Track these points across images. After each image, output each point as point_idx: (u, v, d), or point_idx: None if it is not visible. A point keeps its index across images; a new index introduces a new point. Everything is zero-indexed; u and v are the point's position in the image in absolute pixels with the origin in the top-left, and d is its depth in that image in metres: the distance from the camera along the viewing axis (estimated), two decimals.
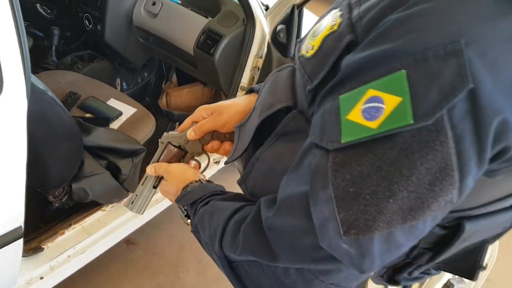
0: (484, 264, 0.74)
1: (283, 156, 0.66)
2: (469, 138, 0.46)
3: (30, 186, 1.50)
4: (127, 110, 2.01)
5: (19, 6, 1.05)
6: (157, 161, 0.90)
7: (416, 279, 0.76)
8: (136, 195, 0.93)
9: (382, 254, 0.52)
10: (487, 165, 0.49)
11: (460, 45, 0.45)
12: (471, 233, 0.65)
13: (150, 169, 0.90)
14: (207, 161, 0.92)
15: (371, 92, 0.49)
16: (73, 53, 2.41)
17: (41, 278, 1.50)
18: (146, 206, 0.94)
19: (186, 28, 2.12)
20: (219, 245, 0.67)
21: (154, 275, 2.04)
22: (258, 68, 2.10)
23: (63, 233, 1.62)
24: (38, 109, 1.36)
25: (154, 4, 2.17)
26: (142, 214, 0.95)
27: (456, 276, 1.33)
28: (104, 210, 1.76)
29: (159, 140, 0.91)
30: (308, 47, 0.63)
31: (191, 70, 2.27)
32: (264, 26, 2.03)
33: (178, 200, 0.80)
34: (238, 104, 0.87)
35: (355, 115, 0.50)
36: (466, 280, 1.35)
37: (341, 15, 0.59)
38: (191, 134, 0.87)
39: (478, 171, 0.48)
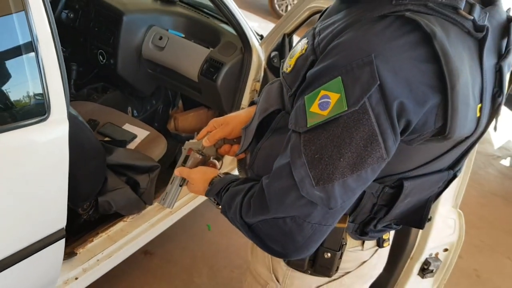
0: (429, 217, 0.99)
1: (276, 144, 0.89)
2: (383, 115, 0.71)
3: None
4: (141, 133, 2.26)
5: (59, 41, 1.31)
6: (182, 164, 1.14)
7: (381, 231, 1.01)
8: (166, 192, 1.16)
9: (342, 195, 0.75)
10: (400, 136, 0.73)
11: (371, 58, 0.69)
12: (410, 190, 0.89)
13: (177, 172, 1.13)
14: (221, 161, 1.16)
15: (323, 92, 0.74)
16: (88, 86, 2.67)
17: (76, 278, 1.72)
18: (175, 201, 1.17)
19: (190, 58, 2.38)
20: (240, 216, 0.88)
21: (171, 281, 2.26)
22: (256, 91, 2.35)
23: (92, 240, 1.84)
24: (72, 131, 1.61)
25: (161, 38, 2.44)
26: (172, 208, 1.18)
27: (433, 255, 1.56)
28: (126, 221, 1.99)
29: (182, 147, 1.15)
30: (287, 66, 0.89)
31: (196, 96, 2.53)
32: (259, 54, 2.29)
33: (206, 194, 1.03)
34: (240, 115, 1.12)
35: (315, 107, 0.75)
36: (440, 258, 1.57)
37: (307, 43, 0.85)
38: (206, 141, 1.11)
39: (395, 137, 0.73)
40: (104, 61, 2.55)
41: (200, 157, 1.12)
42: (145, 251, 2.34)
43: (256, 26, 2.62)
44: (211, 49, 2.38)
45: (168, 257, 2.36)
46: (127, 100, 2.75)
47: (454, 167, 0.94)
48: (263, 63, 2.31)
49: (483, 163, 4.26)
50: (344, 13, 0.84)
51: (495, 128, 0.88)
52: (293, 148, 0.77)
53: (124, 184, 1.93)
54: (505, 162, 4.43)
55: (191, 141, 1.15)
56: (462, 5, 0.75)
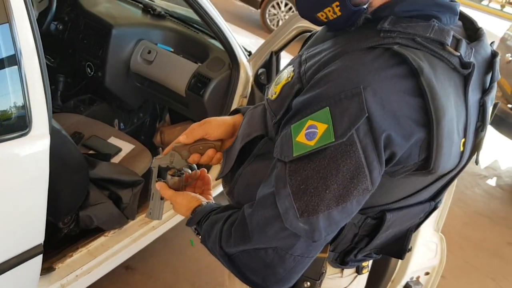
0: (409, 247, 0.99)
1: (258, 171, 0.88)
2: (370, 147, 0.71)
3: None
4: (126, 146, 2.25)
5: (43, 54, 1.30)
6: (155, 181, 1.10)
7: (361, 260, 1.00)
8: (151, 208, 1.14)
9: (326, 228, 0.75)
10: (384, 166, 0.73)
11: (360, 89, 0.69)
12: (392, 222, 0.89)
13: (158, 185, 1.07)
14: (194, 170, 1.11)
15: (310, 122, 0.73)
16: (75, 98, 2.66)
17: None
18: (162, 213, 1.13)
19: (178, 73, 2.38)
20: (219, 245, 0.86)
21: None
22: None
23: (72, 255, 1.82)
24: (54, 145, 1.59)
25: (149, 52, 2.44)
26: (161, 219, 1.14)
27: (414, 278, 1.56)
28: (107, 236, 1.97)
29: (151, 165, 1.11)
30: (272, 92, 0.88)
31: (183, 110, 2.52)
32: (247, 70, 2.30)
33: (188, 224, 1.00)
34: (222, 118, 1.09)
35: (301, 137, 0.74)
36: (422, 281, 1.57)
37: (293, 70, 0.85)
38: (183, 137, 1.05)
39: (380, 168, 0.73)
40: (92, 73, 2.55)
41: (176, 178, 1.10)
42: (127, 266, 2.31)
43: (247, 42, 2.64)
44: (199, 64, 2.38)
45: (149, 273, 2.34)
46: (114, 112, 2.74)
47: (435, 199, 0.94)
48: (251, 79, 2.32)
49: (469, 182, 4.29)
50: (331, 42, 0.84)
51: (476, 162, 0.89)
52: (278, 177, 0.77)
53: (106, 198, 1.91)
54: (492, 182, 4.46)
55: (158, 157, 1.11)
56: (449, 41, 0.76)
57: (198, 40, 2.53)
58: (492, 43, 0.89)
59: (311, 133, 0.73)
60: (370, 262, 1.09)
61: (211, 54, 2.43)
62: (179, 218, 2.24)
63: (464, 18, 0.89)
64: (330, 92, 0.72)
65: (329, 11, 0.80)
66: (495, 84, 0.86)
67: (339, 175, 0.72)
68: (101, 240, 1.95)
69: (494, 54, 0.86)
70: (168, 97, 2.52)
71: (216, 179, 1.04)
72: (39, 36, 1.30)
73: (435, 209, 0.96)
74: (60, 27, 2.56)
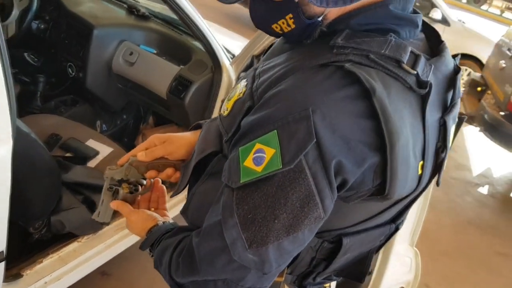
0: (370, 271, 0.94)
1: (211, 191, 0.82)
2: (320, 174, 0.66)
3: (12, 219, 1.67)
4: (104, 149, 2.20)
5: (7, 56, 1.25)
6: (108, 191, 1.04)
7: (319, 283, 0.95)
8: (99, 211, 1.09)
9: (277, 259, 0.70)
10: (337, 192, 0.69)
11: (308, 112, 0.64)
12: (350, 246, 0.84)
13: (114, 204, 1.02)
14: (144, 186, 1.06)
15: (258, 146, 0.68)
16: (57, 98, 2.62)
17: None
18: (110, 216, 1.08)
19: (159, 75, 2.34)
20: (169, 275, 0.81)
21: None
22: None
23: (41, 261, 1.77)
24: (21, 149, 1.55)
25: (131, 54, 2.39)
26: (109, 222, 1.09)
27: None
28: (80, 242, 1.92)
29: (104, 175, 1.05)
30: (224, 108, 0.83)
31: (165, 113, 2.48)
32: (230, 73, 2.25)
33: (141, 247, 0.94)
34: (186, 137, 1.04)
35: (249, 162, 0.69)
36: None
37: (246, 85, 0.79)
38: (142, 156, 1.00)
39: (332, 195, 0.68)
40: (73, 74, 2.51)
41: (129, 196, 1.05)
42: (102, 272, 2.26)
43: (240, 45, 2.59)
44: (181, 66, 2.34)
45: (126, 279, 2.29)
46: (96, 114, 2.70)
47: (395, 221, 0.90)
48: (233, 83, 2.27)
49: (460, 190, 4.25)
50: (286, 56, 0.79)
51: (437, 183, 0.84)
52: (225, 205, 0.72)
53: (79, 203, 1.87)
54: (483, 190, 4.43)
55: (113, 167, 1.05)
56: (406, 58, 0.70)
57: (182, 42, 2.48)
58: (456, 56, 0.85)
59: (258, 157, 0.68)
60: (334, 283, 1.04)
61: (194, 57, 2.38)
62: None
63: (428, 30, 0.84)
64: (278, 114, 0.67)
65: (283, 23, 0.75)
66: (458, 102, 0.82)
67: (288, 204, 0.67)
68: (73, 246, 1.90)
69: (456, 70, 0.81)
70: (150, 99, 2.47)
71: (171, 197, 0.99)
72: (1, 33, 1.24)
73: (397, 230, 0.92)
74: (42, 26, 2.52)
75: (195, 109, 2.30)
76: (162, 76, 2.33)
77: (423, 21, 0.83)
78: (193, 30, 2.09)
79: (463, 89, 4.87)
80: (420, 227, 1.44)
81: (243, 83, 0.82)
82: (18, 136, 1.49)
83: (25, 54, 2.73)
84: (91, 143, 2.22)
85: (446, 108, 0.79)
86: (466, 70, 6.51)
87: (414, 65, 0.71)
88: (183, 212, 0.92)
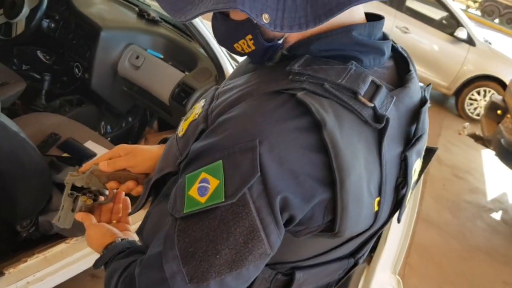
0: None
1: (164, 213, 0.77)
2: (265, 209, 0.62)
3: (1, 215, 1.67)
4: (101, 152, 2.19)
5: None
6: (69, 196, 1.02)
7: None
8: (60, 216, 1.06)
9: None
10: (284, 228, 0.65)
11: (255, 143, 0.61)
12: (304, 280, 0.80)
13: (78, 216, 1.01)
14: (106, 196, 1.04)
15: (203, 175, 0.65)
16: (63, 97, 2.63)
17: None
18: (72, 221, 1.06)
19: (163, 80, 2.32)
20: None
21: None
22: None
23: (26, 260, 1.76)
24: (9, 148, 1.55)
25: (137, 57, 2.39)
26: (70, 227, 1.06)
27: None
28: (68, 243, 1.91)
29: (65, 181, 1.03)
30: (180, 129, 0.80)
31: (168, 118, 2.46)
32: None
33: (94, 265, 0.91)
34: (152, 151, 1.01)
35: (194, 191, 0.66)
36: None
37: (203, 106, 0.76)
38: (104, 165, 0.97)
39: (279, 231, 0.64)
40: (79, 74, 2.51)
41: (90, 204, 1.03)
42: (92, 274, 2.25)
43: None
44: (186, 73, 2.32)
45: None
46: (101, 115, 2.70)
47: (354, 255, 0.85)
48: None
49: (472, 214, 4.13)
50: (246, 78, 0.76)
51: (398, 220, 0.80)
52: (166, 236, 0.69)
53: None
54: (496, 215, 4.29)
55: (74, 173, 1.03)
56: (364, 89, 0.66)
57: (188, 48, 2.47)
58: (427, 86, 0.80)
59: (203, 187, 0.65)
60: None
61: (200, 64, 2.36)
62: None
63: (399, 57, 0.80)
64: (225, 143, 0.64)
65: (243, 43, 0.72)
66: (424, 135, 0.77)
67: (230, 239, 0.64)
68: (61, 247, 1.89)
69: (423, 102, 0.76)
70: (153, 104, 2.46)
71: (128, 215, 0.96)
72: None
73: (356, 265, 0.87)
74: (52, 25, 2.54)
75: None
76: (166, 82, 2.31)
77: (394, 47, 0.79)
78: (196, 37, 2.07)
79: (482, 112, 4.75)
80: (403, 254, 1.38)
81: (201, 103, 0.79)
82: (6, 136, 1.49)
83: (38, 52, 2.76)
84: (90, 145, 2.21)
85: (408, 142, 0.74)
86: (489, 92, 6.36)
87: (372, 97, 0.67)
88: (139, 232, 0.89)
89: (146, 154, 1.00)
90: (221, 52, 2.16)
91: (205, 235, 0.64)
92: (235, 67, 2.27)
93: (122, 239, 0.93)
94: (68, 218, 1.04)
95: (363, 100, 0.65)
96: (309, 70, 0.66)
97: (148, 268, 0.70)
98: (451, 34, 6.49)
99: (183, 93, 2.25)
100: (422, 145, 0.77)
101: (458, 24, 6.48)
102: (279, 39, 0.70)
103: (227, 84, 0.78)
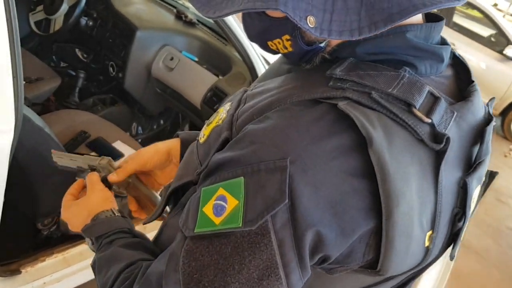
0: None
1: None
2: (289, 243, 0.53)
3: (23, 212, 1.63)
4: (129, 153, 2.14)
5: (19, 42, 1.19)
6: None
7: None
8: None
9: None
10: (309, 268, 0.55)
11: (286, 163, 0.52)
12: None
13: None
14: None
15: (221, 191, 0.56)
16: (96, 96, 2.61)
17: None
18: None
19: (196, 83, 2.27)
20: None
21: None
22: None
23: (44, 260, 1.72)
24: (33, 143, 1.51)
25: (172, 59, 2.35)
26: None
27: None
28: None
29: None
30: (201, 134, 0.71)
31: (199, 123, 2.41)
32: None
33: (84, 230, 0.84)
34: (157, 145, 0.95)
35: (209, 208, 0.57)
36: None
37: (228, 110, 0.67)
38: (113, 176, 0.93)
39: (302, 271, 0.54)
40: (113, 73, 2.49)
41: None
42: None
43: None
44: (220, 77, 2.26)
45: None
46: (133, 116, 2.67)
47: None
48: None
49: None
50: (279, 81, 0.66)
51: (451, 257, 0.68)
52: (172, 254, 0.60)
53: None
54: None
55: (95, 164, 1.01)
56: (420, 101, 0.55)
57: (223, 52, 2.40)
58: (490, 100, 0.69)
59: (219, 206, 0.56)
60: None
61: (234, 69, 2.30)
62: None
63: (460, 66, 0.68)
64: (249, 158, 0.55)
65: (279, 43, 0.63)
66: (486, 159, 0.65)
67: (242, 272, 0.54)
68: (80, 248, 1.84)
69: (488, 120, 0.65)
70: (185, 107, 2.41)
71: (143, 223, 0.88)
72: (15, 21, 1.18)
73: None
74: (90, 23, 2.54)
75: None
76: (199, 85, 2.26)
77: (454, 55, 0.68)
78: (231, 40, 2.00)
79: None
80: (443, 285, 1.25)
81: (227, 106, 0.69)
82: (29, 130, 1.45)
83: (76, 49, 2.76)
84: (118, 145, 2.17)
85: (469, 166, 0.62)
86: None
87: (429, 111, 0.56)
88: (155, 242, 0.81)
89: (151, 149, 0.95)
90: (256, 57, 2.09)
91: (214, 262, 0.55)
92: None
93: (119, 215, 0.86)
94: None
95: (419, 114, 0.55)
96: (354, 75, 0.57)
97: (146, 286, 0.63)
98: (500, 52, 6.21)
99: (215, 98, 2.18)
100: (484, 170, 0.66)
101: (508, 42, 6.20)
102: (321, 42, 0.61)
103: (256, 86, 0.69)
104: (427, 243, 0.59)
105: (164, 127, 2.78)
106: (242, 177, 0.54)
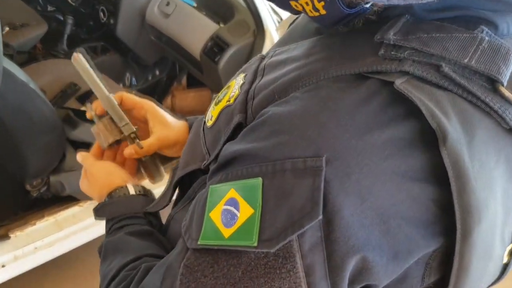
0: None
1: None
2: (320, 272, 0.40)
3: (10, 173, 1.50)
4: None
5: None
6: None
7: None
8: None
9: None
10: None
11: (320, 162, 0.38)
12: None
13: (79, 156, 0.85)
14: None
15: (232, 193, 0.43)
16: (86, 44, 2.42)
17: (3, 266, 1.49)
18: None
19: (195, 32, 2.09)
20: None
21: None
22: None
23: (34, 223, 1.61)
24: (16, 100, 1.36)
25: (168, 4, 2.14)
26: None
27: None
28: (82, 206, 1.75)
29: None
30: (208, 115, 0.57)
31: (198, 75, 2.25)
32: (274, 40, 1.98)
33: (96, 211, 0.73)
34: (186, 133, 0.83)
35: (216, 214, 0.43)
36: None
37: (242, 85, 0.52)
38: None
39: None
40: (104, 19, 2.29)
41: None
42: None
43: None
44: (221, 25, 2.07)
45: None
46: (127, 65, 2.49)
47: None
48: None
49: None
50: (308, 47, 0.51)
51: None
52: (169, 268, 0.48)
53: None
54: None
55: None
56: (507, 76, 0.40)
57: None
58: None
59: (229, 213, 0.42)
60: None
61: (237, 16, 2.10)
62: None
63: None
64: (271, 153, 0.41)
65: (307, 4, 0.46)
66: None
67: None
68: (73, 210, 1.73)
69: None
70: (183, 57, 2.23)
71: (145, 211, 0.76)
72: None
73: None
74: None
75: (230, 76, 2.01)
76: (198, 34, 2.08)
77: None
78: None
79: None
80: None
81: (239, 79, 0.55)
82: (12, 86, 1.30)
83: None
84: None
85: None
86: None
87: None
88: (163, 234, 0.70)
89: (180, 136, 0.82)
90: (261, 3, 1.91)
91: (218, 285, 0.42)
92: (278, 23, 2.02)
93: (135, 188, 0.75)
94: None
95: (507, 94, 0.40)
96: (414, 40, 0.41)
97: None
98: None
99: (217, 48, 2.01)
100: None
101: None
102: (366, 2, 0.44)
103: (277, 52, 0.55)
104: (506, 259, 0.47)
105: (160, 78, 2.61)
106: (259, 178, 0.41)
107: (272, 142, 0.41)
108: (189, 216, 0.48)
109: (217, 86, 2.12)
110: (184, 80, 2.61)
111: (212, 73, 2.07)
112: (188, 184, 0.65)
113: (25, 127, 1.42)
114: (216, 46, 2.01)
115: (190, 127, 0.82)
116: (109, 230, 0.71)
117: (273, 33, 1.97)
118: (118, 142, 0.85)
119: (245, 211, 0.41)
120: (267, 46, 1.97)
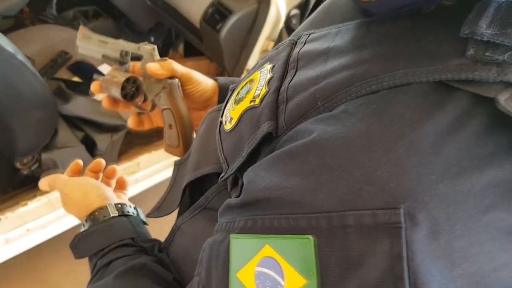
0: None
1: (203, 234, 0.48)
2: None
3: None
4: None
5: None
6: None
7: None
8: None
9: None
10: None
11: (397, 216, 0.28)
12: None
13: (43, 183, 0.73)
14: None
15: (268, 250, 0.32)
16: (77, 8, 2.26)
17: None
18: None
19: None
20: None
21: None
22: (268, 51, 1.93)
23: (26, 204, 1.51)
24: (3, 74, 1.24)
25: None
26: None
27: None
28: None
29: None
30: (226, 117, 0.46)
31: (197, 44, 2.11)
32: (280, 7, 1.85)
33: (74, 248, 0.62)
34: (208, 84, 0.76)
35: (248, 277, 0.33)
36: None
37: (270, 81, 0.41)
38: (155, 66, 0.72)
39: None
40: None
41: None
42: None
43: None
44: None
45: None
46: (120, 32, 2.33)
47: None
48: (282, 19, 1.87)
49: None
50: (356, 33, 0.39)
51: None
52: None
53: (78, 142, 1.57)
54: None
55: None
56: None
57: None
58: None
59: (268, 279, 0.32)
60: None
61: None
62: (166, 173, 1.89)
63: None
64: (323, 200, 0.30)
65: None
66: None
67: None
68: None
69: None
70: (181, 24, 2.09)
71: (147, 216, 0.66)
72: None
73: None
74: None
75: (232, 45, 1.92)
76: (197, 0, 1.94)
77: None
78: None
79: None
80: None
81: (265, 71, 0.44)
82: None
83: None
84: (104, 69, 1.88)
85: None
86: None
87: None
88: (165, 247, 0.60)
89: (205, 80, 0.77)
90: None
91: None
92: None
93: (117, 208, 0.65)
94: None
95: None
96: None
97: None
98: None
99: (218, 16, 1.88)
100: None
101: None
102: None
103: (312, 37, 0.43)
104: None
105: (155, 45, 2.47)
106: (310, 237, 0.30)
107: (322, 182, 0.31)
108: (205, 270, 0.38)
109: (218, 56, 2.00)
110: (181, 48, 2.48)
111: (212, 43, 1.94)
112: (198, 187, 0.56)
113: (14, 103, 1.30)
114: (218, 13, 1.88)
115: (220, 88, 0.75)
116: (93, 268, 0.60)
117: (278, 0, 1.84)
118: (132, 98, 0.76)
119: (292, 279, 0.30)
120: (272, 13, 1.84)
